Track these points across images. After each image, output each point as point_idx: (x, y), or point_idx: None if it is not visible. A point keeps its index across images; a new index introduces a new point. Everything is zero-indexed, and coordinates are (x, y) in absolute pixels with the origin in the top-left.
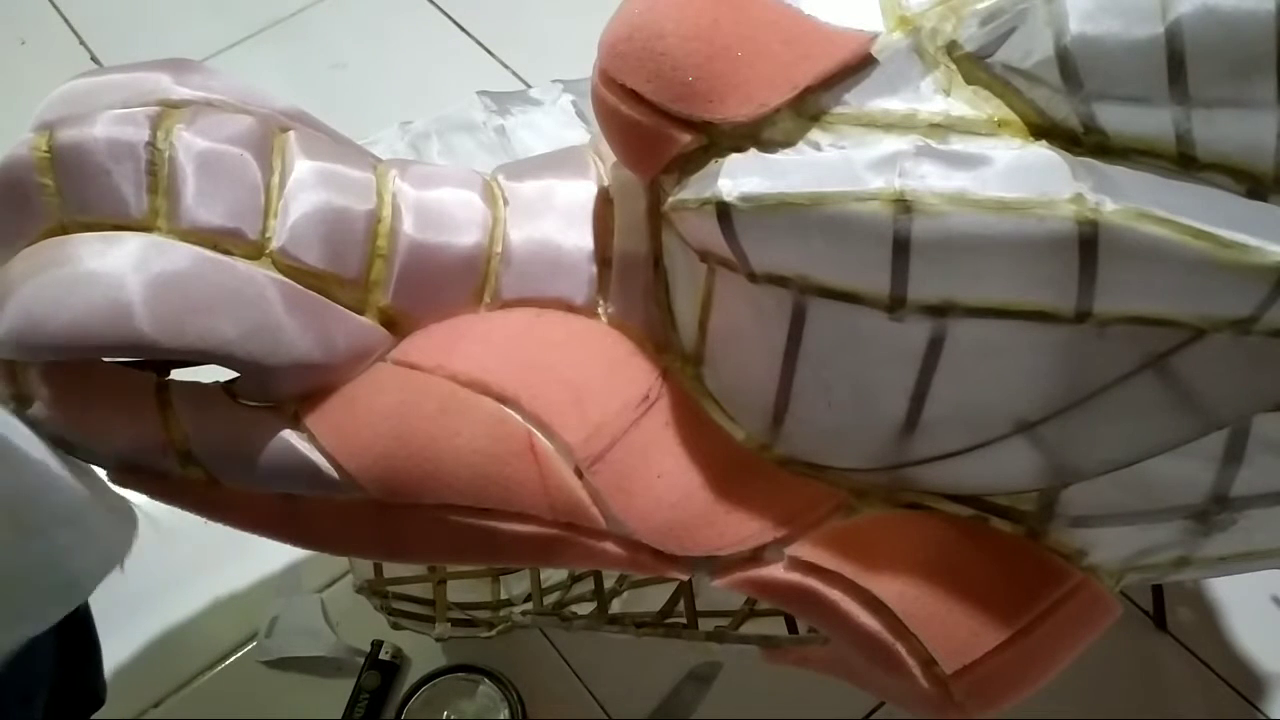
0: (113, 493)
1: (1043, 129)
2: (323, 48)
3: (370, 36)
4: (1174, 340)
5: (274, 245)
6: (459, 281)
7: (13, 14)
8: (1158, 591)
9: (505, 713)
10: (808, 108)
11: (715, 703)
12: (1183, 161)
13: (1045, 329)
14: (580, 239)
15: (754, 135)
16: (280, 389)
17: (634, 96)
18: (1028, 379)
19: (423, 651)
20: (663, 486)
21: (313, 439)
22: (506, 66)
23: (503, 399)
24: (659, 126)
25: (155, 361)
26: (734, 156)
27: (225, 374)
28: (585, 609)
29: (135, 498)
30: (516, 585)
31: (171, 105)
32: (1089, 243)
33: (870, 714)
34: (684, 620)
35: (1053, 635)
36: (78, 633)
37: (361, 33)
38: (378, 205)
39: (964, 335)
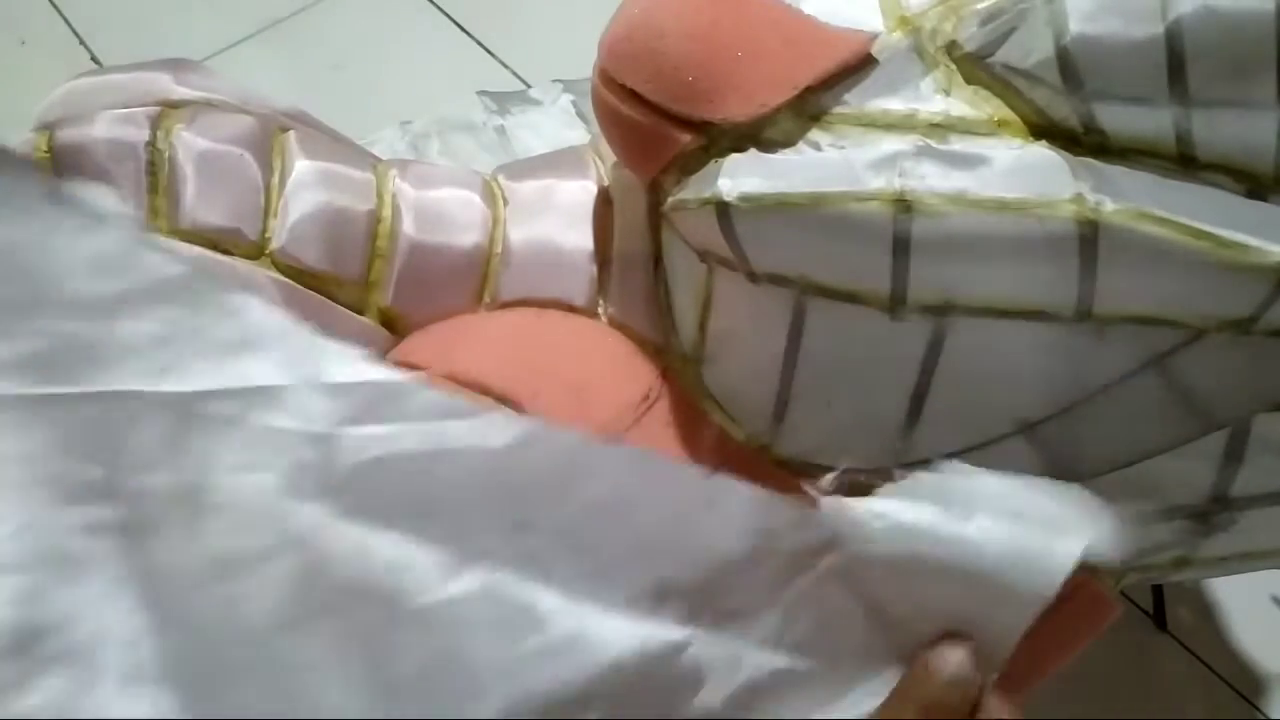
0: None
1: (1043, 129)
2: (323, 48)
3: (370, 36)
4: (1174, 340)
5: (274, 245)
6: (459, 281)
7: (13, 14)
8: (1158, 591)
9: None
10: (808, 108)
11: None
12: (1183, 161)
13: (1045, 329)
14: (580, 239)
15: (754, 135)
16: None
17: (634, 96)
18: (1028, 379)
19: None
20: None
21: None
22: (506, 66)
23: (503, 399)
24: (659, 126)
25: None
26: (734, 156)
27: None
28: None
29: None
30: None
31: (171, 105)
32: (1089, 243)
33: None
34: None
35: (1051, 635)
36: None
37: (361, 33)
38: (378, 205)
39: (964, 335)
